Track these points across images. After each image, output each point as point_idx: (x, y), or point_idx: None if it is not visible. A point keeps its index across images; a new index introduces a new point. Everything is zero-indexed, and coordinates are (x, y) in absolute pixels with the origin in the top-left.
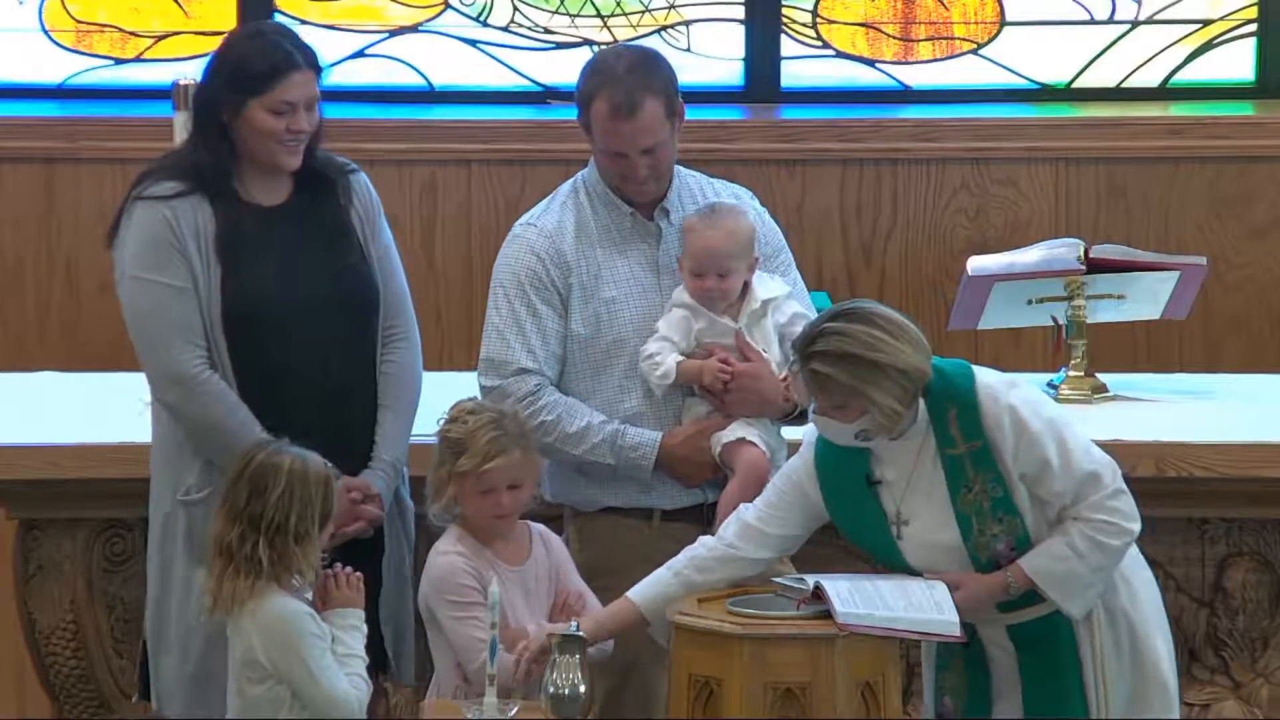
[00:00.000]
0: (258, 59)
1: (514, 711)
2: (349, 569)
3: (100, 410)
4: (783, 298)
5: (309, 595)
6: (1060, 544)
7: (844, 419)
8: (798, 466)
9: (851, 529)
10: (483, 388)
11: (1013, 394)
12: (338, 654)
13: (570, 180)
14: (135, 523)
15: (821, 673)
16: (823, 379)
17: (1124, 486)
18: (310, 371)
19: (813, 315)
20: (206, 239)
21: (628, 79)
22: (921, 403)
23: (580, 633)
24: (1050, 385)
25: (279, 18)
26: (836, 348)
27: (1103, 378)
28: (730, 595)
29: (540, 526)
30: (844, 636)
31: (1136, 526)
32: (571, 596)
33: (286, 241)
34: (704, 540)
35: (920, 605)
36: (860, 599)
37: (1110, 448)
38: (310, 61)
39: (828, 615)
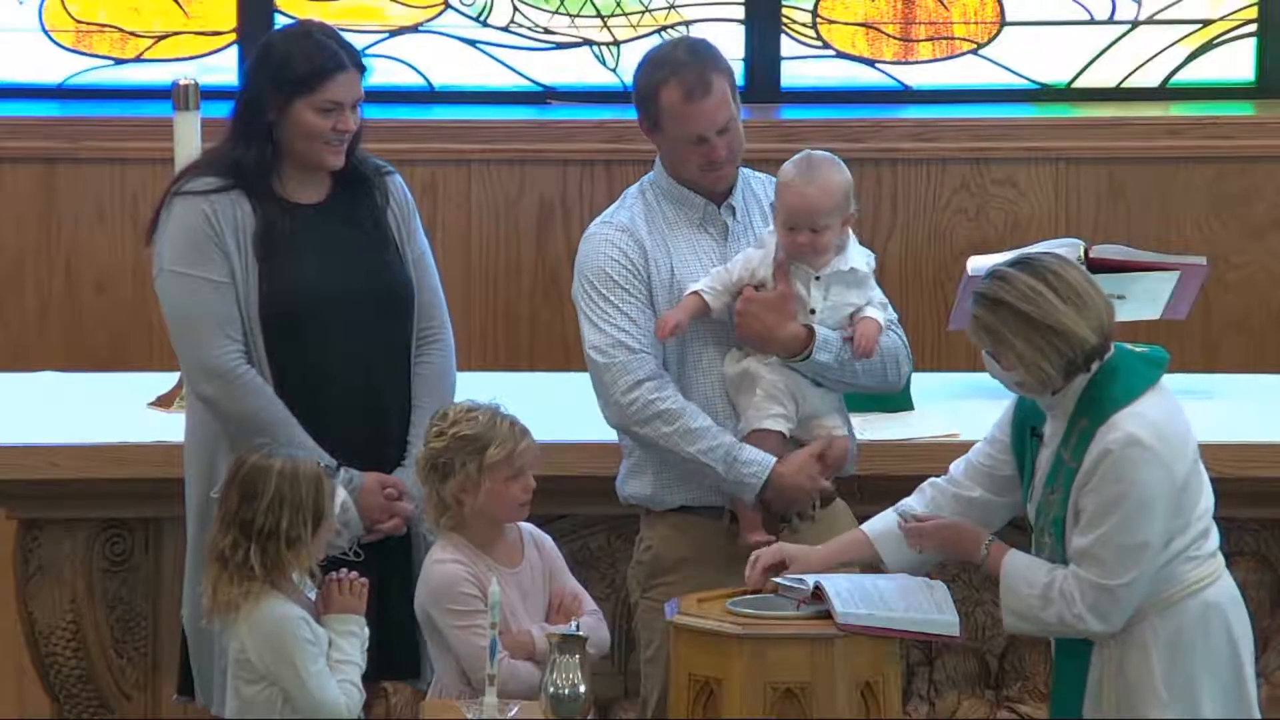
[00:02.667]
0: (305, 59)
1: (514, 712)
2: (353, 574)
3: (100, 410)
4: (867, 276)
5: (311, 595)
6: (1044, 571)
7: (1003, 366)
8: (1009, 403)
9: (1020, 474)
10: (601, 366)
11: (1136, 444)
12: (333, 659)
13: (636, 184)
14: (135, 523)
15: (821, 673)
16: (977, 321)
17: (1123, 595)
18: (346, 368)
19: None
20: (246, 235)
21: (693, 61)
22: (1081, 379)
23: (580, 633)
24: None
25: (279, 18)
26: (994, 293)
27: None
28: (730, 595)
29: (530, 527)
30: (844, 637)
31: (1099, 629)
32: (567, 597)
33: (325, 239)
34: (931, 480)
35: (920, 605)
36: (860, 599)
37: None
38: (355, 61)
39: (827, 615)
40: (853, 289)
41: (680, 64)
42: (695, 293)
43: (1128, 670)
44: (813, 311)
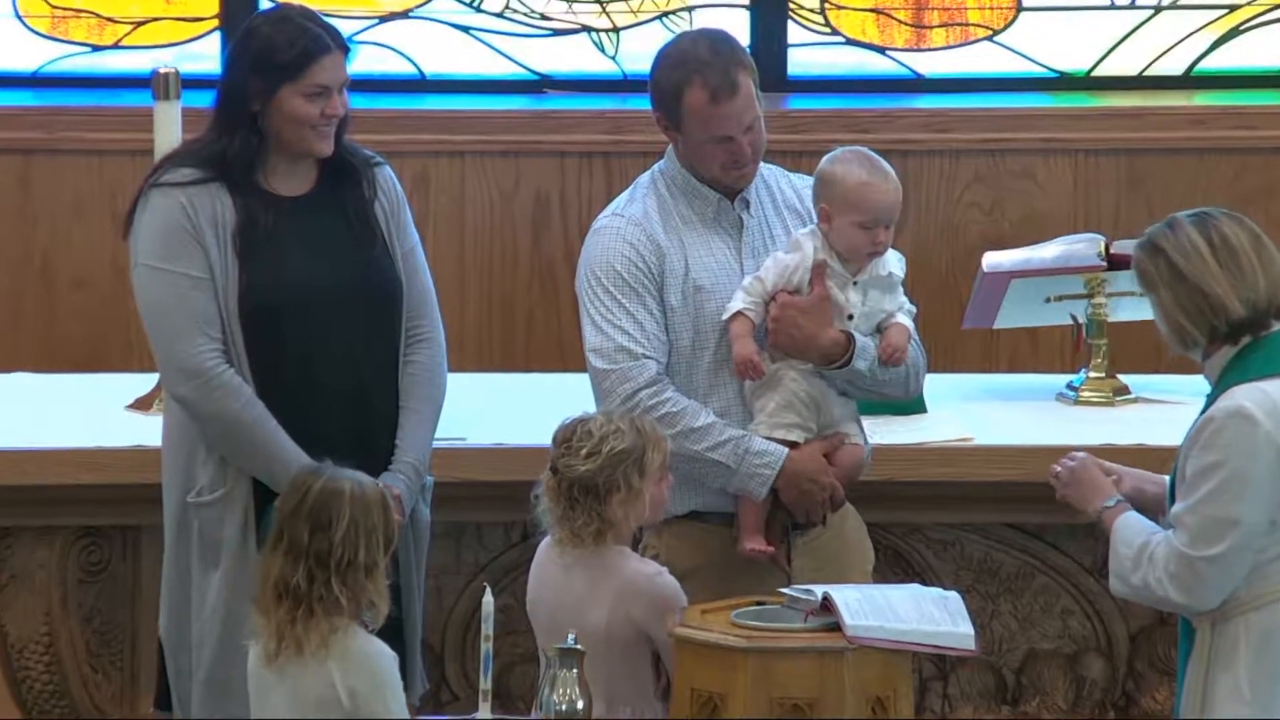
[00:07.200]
0: (287, 43)
1: None
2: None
3: (76, 413)
4: (900, 281)
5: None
6: (1145, 533)
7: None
8: None
9: None
10: (600, 372)
11: (1242, 417)
12: None
13: (647, 172)
14: (112, 531)
15: (830, 687)
16: (1135, 263)
17: (1204, 569)
18: (330, 366)
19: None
20: (225, 229)
21: (717, 60)
22: (1229, 350)
23: (579, 646)
24: (1070, 387)
25: (262, 3)
26: (1157, 238)
27: (1124, 379)
28: (735, 606)
29: None
30: (853, 650)
31: (1178, 600)
32: None
33: (308, 232)
34: None
35: (932, 617)
36: (870, 610)
37: (1133, 452)
38: (339, 42)
39: (836, 627)
40: (887, 294)
41: (704, 63)
42: (740, 315)
43: (1217, 661)
44: (850, 317)
